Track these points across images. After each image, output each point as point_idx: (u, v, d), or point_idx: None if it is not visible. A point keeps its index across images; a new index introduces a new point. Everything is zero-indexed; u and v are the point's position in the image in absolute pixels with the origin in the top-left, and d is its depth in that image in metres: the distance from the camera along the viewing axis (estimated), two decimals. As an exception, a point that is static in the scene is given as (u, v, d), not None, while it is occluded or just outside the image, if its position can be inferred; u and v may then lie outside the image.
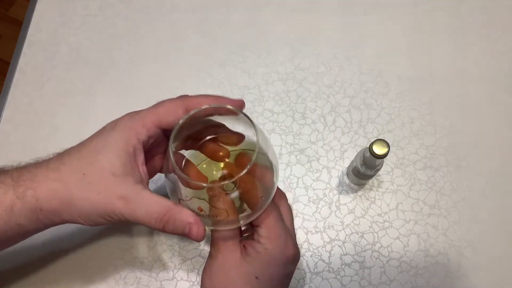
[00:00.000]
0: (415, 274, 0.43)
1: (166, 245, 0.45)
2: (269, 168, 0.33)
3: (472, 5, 0.57)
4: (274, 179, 0.34)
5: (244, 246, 0.34)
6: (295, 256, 0.35)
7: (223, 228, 0.34)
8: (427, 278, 0.43)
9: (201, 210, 0.31)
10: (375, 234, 0.45)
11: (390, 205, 0.46)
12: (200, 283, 0.36)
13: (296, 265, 0.36)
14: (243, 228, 0.37)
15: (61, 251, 0.45)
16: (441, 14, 0.57)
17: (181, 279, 0.43)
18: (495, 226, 0.45)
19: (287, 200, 0.38)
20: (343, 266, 0.44)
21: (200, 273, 0.43)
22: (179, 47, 0.55)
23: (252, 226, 0.35)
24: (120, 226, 0.46)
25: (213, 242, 0.34)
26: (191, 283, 0.43)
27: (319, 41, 0.55)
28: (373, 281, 0.43)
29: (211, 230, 0.35)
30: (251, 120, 0.30)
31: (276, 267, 0.33)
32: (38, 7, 0.58)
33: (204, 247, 0.44)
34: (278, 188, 0.35)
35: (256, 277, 0.32)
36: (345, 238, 0.45)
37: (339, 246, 0.44)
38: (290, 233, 0.35)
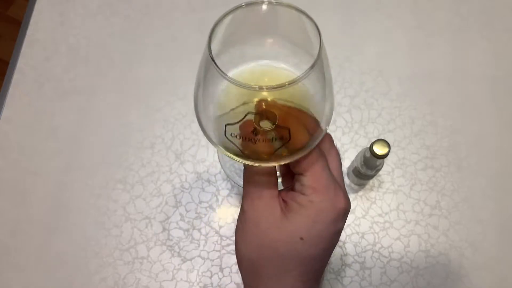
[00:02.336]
0: (416, 274, 0.43)
1: (165, 246, 0.44)
2: (319, 97, 0.26)
3: (472, 5, 0.57)
4: (323, 115, 0.26)
5: (284, 200, 0.28)
6: (346, 210, 0.28)
7: (257, 163, 0.26)
8: (428, 278, 0.43)
9: (257, 133, 0.24)
10: (376, 234, 0.45)
11: (391, 206, 0.46)
12: (234, 246, 0.30)
13: (345, 220, 0.29)
14: (280, 180, 0.31)
15: (60, 251, 0.44)
16: (442, 14, 0.57)
17: (181, 279, 0.43)
18: (496, 226, 0.45)
19: (333, 142, 0.31)
20: (343, 266, 0.43)
21: (200, 273, 0.43)
22: (179, 47, 0.55)
23: (292, 177, 0.29)
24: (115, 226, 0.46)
25: (245, 196, 0.28)
26: (190, 284, 0.43)
27: (319, 40, 0.55)
28: (373, 281, 0.43)
29: (244, 182, 0.29)
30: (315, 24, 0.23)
31: (325, 224, 0.27)
32: (37, 6, 0.58)
33: (204, 248, 0.44)
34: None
35: (301, 238, 0.26)
36: (346, 238, 0.44)
37: (339, 246, 0.44)
38: (338, 183, 0.29)
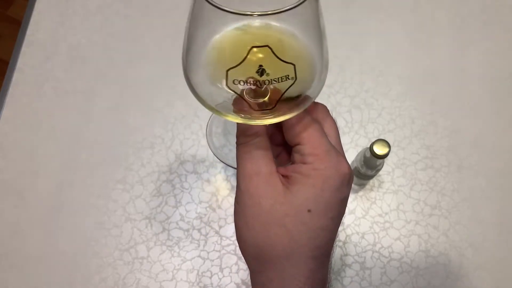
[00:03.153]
0: (416, 274, 0.43)
1: (165, 246, 0.44)
2: (312, 50, 0.24)
3: (473, 4, 0.57)
4: (315, 67, 0.25)
5: (284, 176, 0.26)
6: (351, 175, 0.27)
7: (255, 121, 0.25)
8: (428, 279, 0.43)
9: (263, 73, 0.22)
10: (376, 234, 0.45)
11: (391, 206, 0.46)
12: (234, 231, 0.28)
13: (350, 187, 0.28)
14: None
15: (60, 251, 0.44)
16: (442, 14, 0.57)
17: (181, 279, 0.43)
18: (496, 226, 0.45)
19: (328, 112, 0.29)
20: (343, 266, 0.43)
21: (200, 273, 0.43)
22: (179, 47, 0.55)
23: (288, 155, 0.28)
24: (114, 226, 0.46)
25: (241, 175, 0.26)
26: (190, 284, 0.43)
27: (319, 40, 0.55)
28: (373, 282, 0.43)
29: (238, 159, 0.27)
30: None
31: (332, 191, 0.25)
32: (37, 6, 0.58)
33: (204, 248, 0.44)
34: (315, 102, 0.28)
35: (309, 210, 0.25)
36: (346, 238, 0.44)
37: (339, 246, 0.44)
38: (337, 149, 0.27)
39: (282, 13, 0.20)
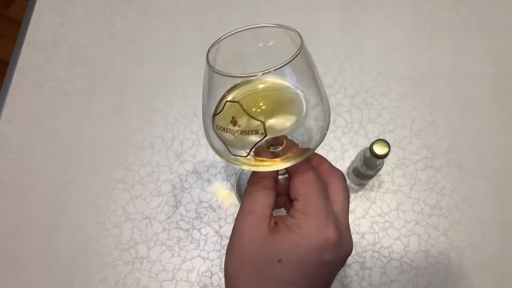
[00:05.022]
0: (416, 274, 0.43)
1: (165, 246, 0.44)
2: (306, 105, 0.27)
3: (472, 4, 0.57)
4: (315, 120, 0.28)
5: (275, 222, 0.28)
6: (336, 242, 0.27)
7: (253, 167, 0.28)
8: (428, 278, 0.43)
9: (235, 123, 0.26)
10: (376, 234, 0.45)
11: (391, 206, 0.46)
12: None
13: (338, 256, 0.27)
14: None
15: (60, 251, 0.44)
16: (442, 14, 0.57)
17: (181, 279, 0.43)
18: (496, 226, 0.45)
19: (343, 180, 0.30)
20: (343, 266, 0.43)
21: (200, 273, 0.43)
22: (179, 47, 0.55)
23: (290, 201, 0.29)
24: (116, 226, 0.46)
25: (239, 211, 0.29)
26: (190, 284, 0.43)
27: (319, 40, 0.55)
28: (373, 281, 0.43)
29: (240, 203, 0.30)
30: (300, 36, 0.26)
31: (308, 250, 0.26)
32: (38, 6, 0.58)
33: (204, 248, 0.44)
34: (331, 165, 0.30)
35: (279, 260, 0.26)
36: (346, 238, 0.44)
37: (339, 246, 0.44)
38: (334, 214, 0.28)
39: (278, 69, 0.24)
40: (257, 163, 0.28)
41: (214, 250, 0.44)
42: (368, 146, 0.39)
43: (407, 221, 0.45)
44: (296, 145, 0.28)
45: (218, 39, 0.27)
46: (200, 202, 0.46)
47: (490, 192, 0.46)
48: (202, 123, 0.52)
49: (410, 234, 0.45)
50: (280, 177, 0.30)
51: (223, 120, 0.26)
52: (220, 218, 0.46)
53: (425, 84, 0.52)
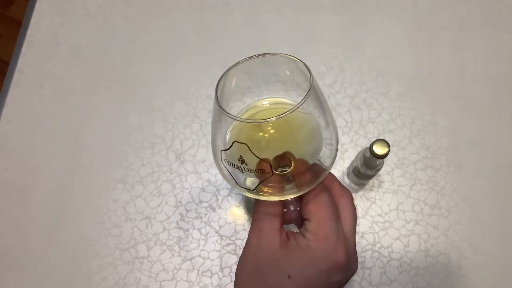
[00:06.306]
0: (416, 274, 0.43)
1: (165, 246, 0.44)
2: (320, 136, 0.28)
3: (472, 4, 0.57)
4: (326, 153, 0.28)
5: (287, 236, 0.29)
6: (345, 265, 0.28)
7: (265, 197, 0.29)
8: (427, 278, 0.43)
9: (243, 162, 0.27)
10: (376, 234, 0.45)
11: (391, 206, 0.46)
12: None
13: (345, 276, 0.29)
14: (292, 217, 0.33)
15: (60, 251, 0.45)
16: (442, 14, 0.57)
17: (181, 279, 0.43)
18: (496, 226, 0.45)
19: (352, 201, 0.32)
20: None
21: (200, 273, 0.43)
22: (179, 47, 0.55)
23: (302, 220, 0.30)
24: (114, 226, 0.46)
25: (251, 225, 0.30)
26: (190, 284, 0.43)
27: (319, 40, 0.55)
28: (373, 281, 0.43)
29: (253, 213, 0.31)
30: (309, 70, 0.26)
31: (317, 271, 0.27)
32: (38, 6, 0.58)
33: (204, 248, 0.44)
34: (342, 185, 0.32)
35: (289, 276, 0.27)
36: (346, 238, 0.44)
37: (339, 246, 0.44)
38: (344, 237, 0.29)
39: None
40: (264, 195, 0.28)
41: (214, 250, 0.44)
42: (368, 146, 0.39)
43: (407, 221, 0.45)
44: (306, 162, 0.28)
45: (227, 71, 0.27)
46: (200, 202, 0.46)
47: (490, 192, 0.46)
48: (202, 122, 0.52)
49: (410, 234, 0.45)
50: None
51: (231, 156, 0.26)
52: (220, 218, 0.46)
53: (425, 84, 0.52)
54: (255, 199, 0.30)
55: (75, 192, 0.47)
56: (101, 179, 0.48)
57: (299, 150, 0.28)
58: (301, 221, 0.31)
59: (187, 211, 0.46)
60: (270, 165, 0.26)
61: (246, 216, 0.46)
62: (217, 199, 0.46)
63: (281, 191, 0.28)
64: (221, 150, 0.27)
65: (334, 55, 0.54)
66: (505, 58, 0.54)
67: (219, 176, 0.48)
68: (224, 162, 0.27)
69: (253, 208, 0.31)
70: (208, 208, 0.46)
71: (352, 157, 0.48)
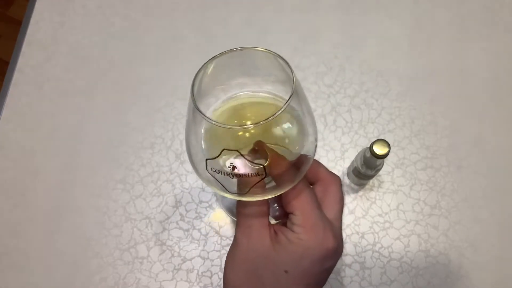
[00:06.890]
0: (416, 274, 0.43)
1: (165, 246, 0.44)
2: (299, 129, 0.27)
3: (472, 4, 0.57)
4: (304, 146, 0.28)
5: (275, 232, 0.29)
6: (336, 249, 0.29)
7: (249, 198, 0.28)
8: (428, 278, 0.43)
9: (234, 168, 0.26)
10: (376, 234, 0.45)
11: (391, 206, 0.46)
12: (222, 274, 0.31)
13: (336, 260, 0.30)
14: (275, 214, 0.33)
15: (60, 251, 0.44)
16: (442, 13, 0.57)
17: (181, 279, 0.43)
18: (496, 226, 0.45)
19: (340, 184, 0.32)
20: (343, 266, 0.43)
21: (200, 273, 0.43)
22: (179, 47, 0.55)
23: (286, 215, 0.30)
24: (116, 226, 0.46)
25: (237, 225, 0.30)
26: (190, 284, 0.43)
27: (319, 40, 0.55)
28: (373, 281, 0.43)
29: (236, 212, 0.31)
30: (288, 66, 0.25)
31: (311, 261, 0.28)
32: (38, 6, 0.58)
33: (204, 248, 0.44)
34: (327, 170, 0.31)
35: (286, 271, 0.27)
36: (346, 238, 0.44)
37: (339, 246, 0.44)
38: (330, 223, 0.29)
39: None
40: (253, 196, 0.28)
41: (214, 250, 0.44)
42: (368, 146, 0.39)
43: (407, 221, 0.45)
44: (283, 158, 0.27)
45: (203, 65, 0.26)
46: (200, 202, 0.46)
47: (491, 192, 0.46)
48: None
49: (410, 234, 0.45)
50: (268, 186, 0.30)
51: (218, 164, 0.26)
52: (220, 218, 0.46)
53: (425, 84, 0.52)
54: (238, 208, 0.30)
55: (75, 192, 0.47)
56: (101, 179, 0.48)
57: (279, 143, 0.28)
58: (284, 214, 0.31)
59: (187, 211, 0.46)
60: (264, 168, 0.25)
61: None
62: (217, 199, 0.46)
63: (268, 190, 0.28)
64: (207, 159, 0.26)
65: (334, 55, 0.54)
66: (505, 58, 0.54)
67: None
68: (211, 170, 0.26)
69: (236, 207, 0.30)
70: (208, 208, 0.46)
71: (352, 157, 0.48)
